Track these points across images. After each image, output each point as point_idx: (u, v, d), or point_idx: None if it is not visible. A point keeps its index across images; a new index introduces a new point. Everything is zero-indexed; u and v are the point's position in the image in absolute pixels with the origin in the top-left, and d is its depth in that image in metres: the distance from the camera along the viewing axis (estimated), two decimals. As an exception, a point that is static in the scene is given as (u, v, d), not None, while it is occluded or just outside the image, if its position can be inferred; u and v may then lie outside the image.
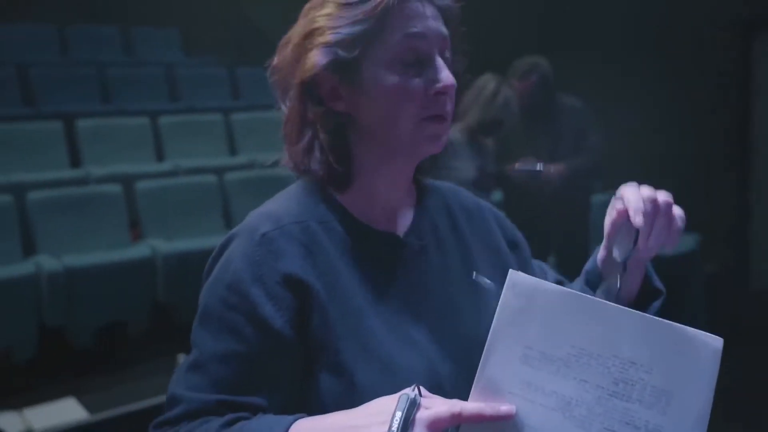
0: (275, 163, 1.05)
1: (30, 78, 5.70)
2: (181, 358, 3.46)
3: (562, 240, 3.77)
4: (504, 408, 0.80)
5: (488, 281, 1.04)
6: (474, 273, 1.05)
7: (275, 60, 1.01)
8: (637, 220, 0.90)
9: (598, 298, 0.82)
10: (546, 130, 3.57)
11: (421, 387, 0.81)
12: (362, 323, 0.92)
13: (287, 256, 0.92)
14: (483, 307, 1.01)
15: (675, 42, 5.58)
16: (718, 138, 5.52)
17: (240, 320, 0.90)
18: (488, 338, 0.82)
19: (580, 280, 1.09)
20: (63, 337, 4.00)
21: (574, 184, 3.45)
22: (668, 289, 1.06)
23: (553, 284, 0.83)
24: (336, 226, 0.97)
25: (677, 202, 0.94)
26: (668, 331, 0.78)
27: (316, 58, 0.94)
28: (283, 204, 0.99)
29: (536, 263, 1.18)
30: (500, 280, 1.04)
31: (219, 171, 4.94)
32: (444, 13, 0.97)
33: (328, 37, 0.93)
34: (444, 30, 0.96)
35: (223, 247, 0.97)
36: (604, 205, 1.01)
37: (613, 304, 0.81)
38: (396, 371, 0.91)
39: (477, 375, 0.81)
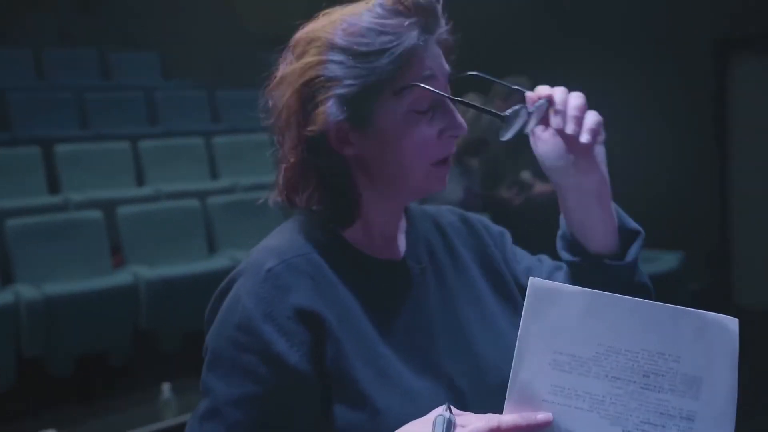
0: (265, 201, 1.01)
1: (6, 102, 5.62)
2: (165, 388, 3.40)
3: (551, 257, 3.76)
4: (540, 416, 0.80)
5: None
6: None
7: (269, 100, 0.96)
8: (547, 91, 0.94)
9: (618, 295, 0.82)
10: (531, 150, 3.58)
11: (451, 406, 0.81)
12: (377, 351, 0.91)
13: (295, 290, 0.90)
14: (486, 321, 1.02)
15: (654, 63, 5.65)
16: (698, 157, 5.59)
17: (254, 360, 0.87)
18: (516, 348, 0.82)
19: (559, 247, 1.06)
20: (42, 367, 3.92)
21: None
22: None
23: (573, 286, 0.83)
24: (338, 256, 0.96)
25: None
26: (689, 317, 0.80)
27: (330, 112, 0.89)
28: (284, 238, 0.97)
29: (533, 258, 1.16)
30: (496, 289, 1.06)
31: (201, 195, 4.89)
32: (443, 48, 0.95)
33: (341, 90, 0.89)
34: (447, 66, 0.95)
35: (226, 287, 0.95)
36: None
37: (634, 298, 0.82)
38: (416, 395, 0.90)
39: (509, 386, 0.82)
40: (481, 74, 0.97)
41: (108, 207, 4.52)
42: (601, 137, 0.95)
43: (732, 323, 0.80)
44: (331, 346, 0.89)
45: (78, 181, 4.94)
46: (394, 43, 0.89)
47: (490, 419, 0.79)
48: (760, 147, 5.47)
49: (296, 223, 0.99)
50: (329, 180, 0.94)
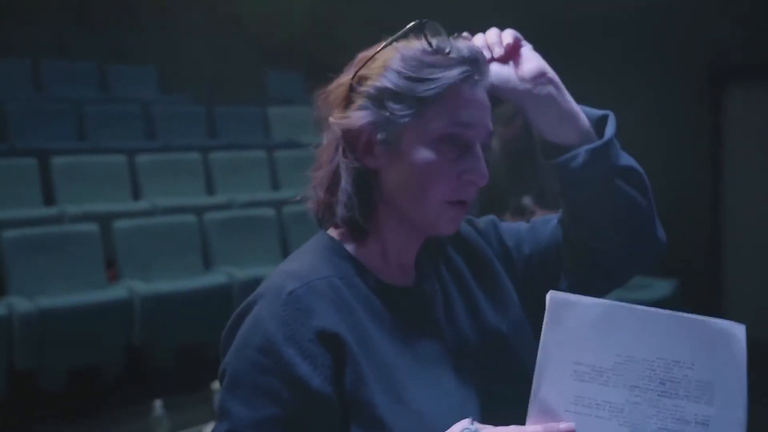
0: (302, 199, 1.04)
1: (4, 113, 5.60)
2: (157, 404, 3.38)
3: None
4: (563, 426, 0.82)
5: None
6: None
7: (321, 104, 1.01)
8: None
9: (635, 306, 0.84)
10: (533, 176, 3.59)
11: (474, 419, 0.83)
12: (394, 376, 0.92)
13: (317, 313, 0.91)
14: (490, 338, 1.04)
15: (649, 92, 5.71)
16: (692, 185, 5.64)
17: (276, 383, 0.88)
18: (537, 360, 0.84)
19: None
20: (34, 380, 3.89)
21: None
22: None
23: (591, 298, 0.85)
24: (356, 281, 0.97)
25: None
26: (700, 325, 0.83)
27: (363, 112, 0.95)
28: (305, 261, 0.99)
29: (522, 227, 1.17)
30: (496, 298, 1.08)
31: (197, 210, 4.89)
32: (494, 111, 0.99)
33: (382, 95, 0.95)
34: (490, 125, 0.98)
35: (245, 310, 0.95)
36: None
37: (650, 308, 0.84)
38: (432, 421, 0.91)
39: (531, 397, 0.84)
40: (426, 23, 1.00)
41: (104, 220, 4.52)
42: (527, 45, 1.04)
43: (739, 330, 0.83)
44: (350, 369, 0.90)
45: (74, 194, 4.92)
46: (440, 74, 0.93)
47: (515, 430, 0.81)
48: (752, 175, 5.53)
49: (316, 246, 1.01)
50: (347, 183, 0.96)
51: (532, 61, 1.02)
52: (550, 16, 6.01)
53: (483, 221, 1.16)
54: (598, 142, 1.02)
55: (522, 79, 1.02)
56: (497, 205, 3.47)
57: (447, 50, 0.95)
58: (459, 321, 1.04)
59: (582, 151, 1.01)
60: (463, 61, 0.94)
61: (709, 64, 5.55)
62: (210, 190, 5.60)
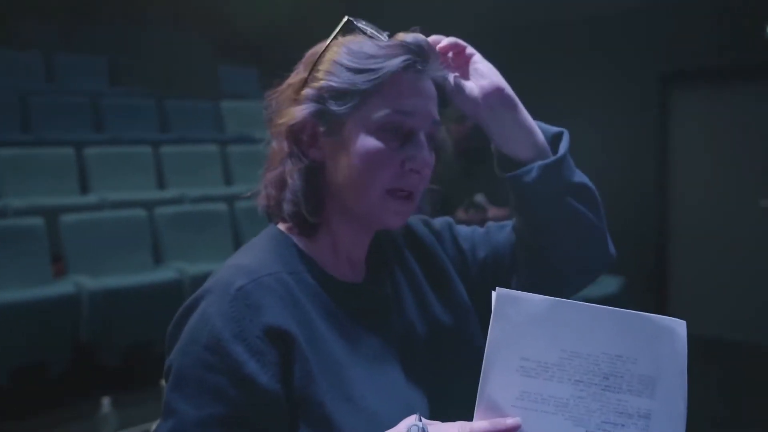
0: (253, 195, 1.04)
1: (-55, 104, 5.44)
2: (105, 402, 3.32)
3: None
4: (509, 421, 0.82)
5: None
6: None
7: (272, 103, 1.02)
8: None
9: (580, 302, 0.85)
10: (485, 174, 3.63)
11: (421, 416, 0.83)
12: (342, 374, 0.92)
13: (266, 309, 0.90)
14: (438, 337, 1.05)
15: (597, 94, 5.81)
16: (639, 183, 5.76)
17: (223, 381, 0.86)
18: (485, 355, 0.84)
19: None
20: (-24, 377, 3.78)
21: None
22: None
23: (537, 295, 0.86)
24: (306, 277, 0.97)
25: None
26: (643, 321, 0.85)
27: (305, 105, 0.95)
28: (255, 256, 0.97)
29: (477, 231, 1.18)
30: (447, 298, 1.09)
31: (147, 205, 4.81)
32: (440, 98, 1.00)
33: (324, 93, 0.95)
34: (435, 114, 0.98)
35: (192, 305, 0.93)
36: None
37: (594, 305, 0.85)
38: (380, 418, 0.91)
39: (479, 393, 0.84)
40: (354, 20, 1.01)
41: (50, 214, 4.41)
42: (476, 54, 1.05)
43: (680, 326, 0.84)
44: (299, 366, 0.89)
45: (19, 187, 4.80)
46: (380, 65, 0.94)
47: (462, 426, 0.82)
48: (697, 174, 5.68)
49: (266, 240, 1.00)
50: (294, 177, 0.97)
51: (489, 77, 1.03)
52: (501, 22, 6.08)
53: (438, 223, 1.17)
54: (551, 159, 1.04)
55: (479, 95, 1.02)
56: (450, 202, 3.50)
57: (385, 38, 0.96)
58: (408, 319, 1.04)
59: (535, 167, 1.03)
60: (406, 49, 0.95)
61: (657, 70, 5.67)
62: (161, 184, 5.51)
